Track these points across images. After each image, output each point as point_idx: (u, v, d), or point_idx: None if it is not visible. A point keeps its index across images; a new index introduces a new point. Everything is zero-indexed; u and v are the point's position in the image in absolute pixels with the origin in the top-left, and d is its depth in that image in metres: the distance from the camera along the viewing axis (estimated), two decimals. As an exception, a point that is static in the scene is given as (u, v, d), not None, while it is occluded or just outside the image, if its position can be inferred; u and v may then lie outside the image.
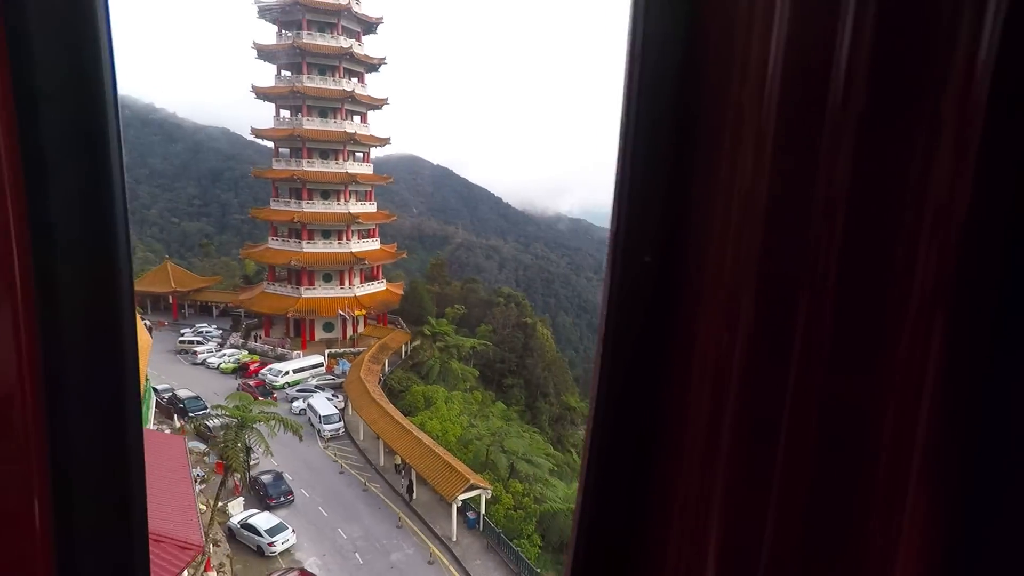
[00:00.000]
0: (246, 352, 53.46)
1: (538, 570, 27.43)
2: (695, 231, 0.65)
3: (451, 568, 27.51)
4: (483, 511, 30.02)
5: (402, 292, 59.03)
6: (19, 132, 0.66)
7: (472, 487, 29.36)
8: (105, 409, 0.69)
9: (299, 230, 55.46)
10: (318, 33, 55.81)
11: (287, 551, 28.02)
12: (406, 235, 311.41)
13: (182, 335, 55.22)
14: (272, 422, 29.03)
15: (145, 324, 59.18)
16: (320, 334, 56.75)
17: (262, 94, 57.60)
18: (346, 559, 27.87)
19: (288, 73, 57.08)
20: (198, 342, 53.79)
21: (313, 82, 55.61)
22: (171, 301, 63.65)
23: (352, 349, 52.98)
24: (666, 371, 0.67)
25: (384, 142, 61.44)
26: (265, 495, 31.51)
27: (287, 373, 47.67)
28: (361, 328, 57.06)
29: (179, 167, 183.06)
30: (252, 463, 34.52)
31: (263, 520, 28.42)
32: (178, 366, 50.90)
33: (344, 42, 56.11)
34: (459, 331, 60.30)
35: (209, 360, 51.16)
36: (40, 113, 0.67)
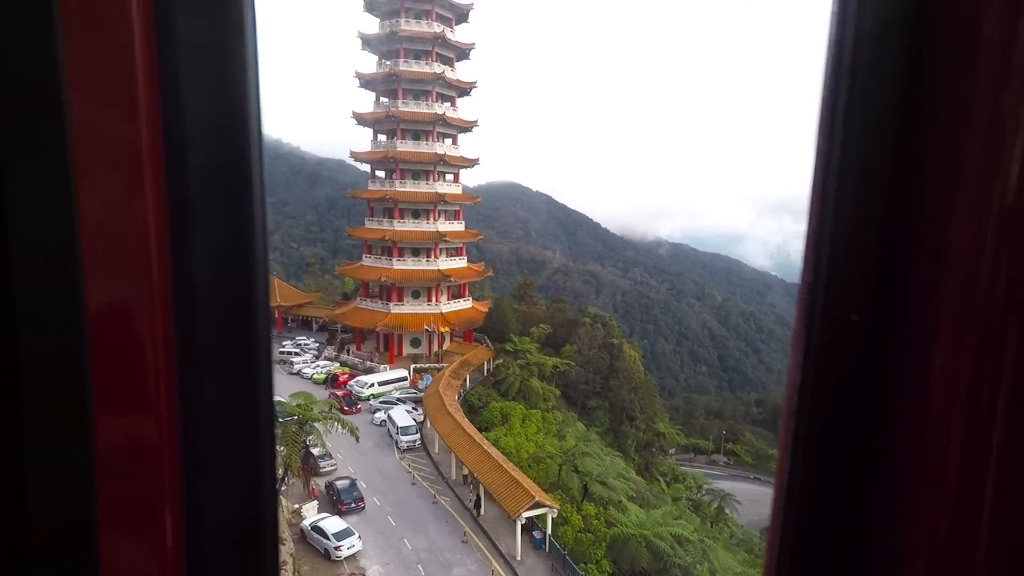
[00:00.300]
0: (338, 364, 55.74)
1: (603, 598, 25.76)
2: (920, 283, 0.51)
3: (513, 587, 26.47)
4: (549, 531, 28.79)
5: (487, 310, 59.17)
6: (167, 176, 0.66)
7: (537, 504, 28.25)
8: (244, 468, 0.70)
9: (390, 248, 57.48)
10: (413, 60, 58.46)
11: (352, 557, 28.24)
12: (504, 259, 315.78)
13: (283, 346, 58.52)
14: (331, 422, 29.54)
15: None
16: (408, 349, 58.10)
17: (361, 119, 60.79)
18: (408, 570, 27.63)
19: (385, 99, 60.07)
20: (296, 353, 56.77)
21: (407, 106, 58.06)
22: (275, 315, 67.90)
23: (436, 364, 53.63)
24: (878, 459, 0.54)
25: (472, 163, 62.70)
26: (338, 500, 32.13)
27: (372, 385, 48.95)
28: (446, 344, 57.70)
29: (300, 196, 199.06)
30: (329, 468, 35.61)
31: (332, 524, 28.87)
32: (276, 375, 53.75)
33: (437, 68, 58.32)
34: (543, 351, 59.51)
35: (304, 370, 53.76)
36: (189, 159, 0.67)
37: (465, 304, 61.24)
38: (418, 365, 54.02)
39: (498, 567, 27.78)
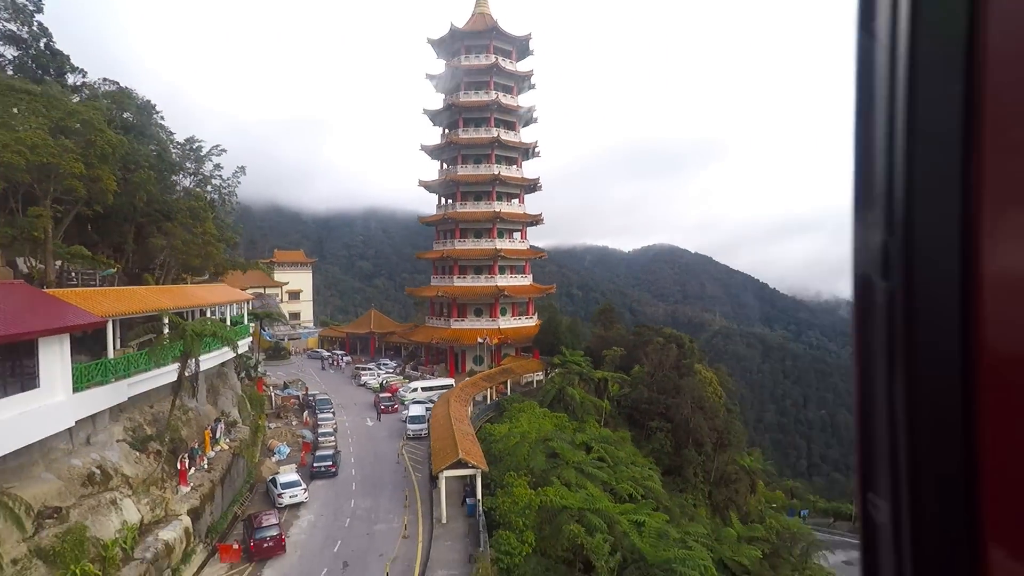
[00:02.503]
0: (401, 377, 58.38)
1: (507, 564, 23.44)
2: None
3: (420, 544, 25.29)
4: (480, 498, 27.18)
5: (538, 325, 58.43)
6: None
7: (461, 464, 27.05)
8: None
9: (451, 267, 60.03)
10: (472, 129, 61.11)
11: (294, 506, 29.23)
12: (659, 322, 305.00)
13: (357, 367, 63.22)
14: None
15: (344, 360, 69.34)
16: (469, 365, 59.13)
17: (426, 186, 64.21)
18: (336, 520, 27.84)
19: (447, 166, 63.43)
20: (366, 370, 60.72)
21: (466, 170, 60.77)
22: (370, 341, 73.46)
23: (490, 377, 53.84)
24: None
25: (534, 219, 62.55)
26: (310, 465, 33.65)
27: (416, 390, 50.62)
28: (505, 361, 57.73)
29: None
30: (328, 444, 37.42)
31: (284, 478, 30.39)
32: (346, 386, 58.20)
33: (493, 133, 59.95)
34: (617, 372, 56.91)
35: (369, 382, 57.33)
36: None
37: (528, 322, 61.05)
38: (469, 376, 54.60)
39: (420, 527, 26.82)
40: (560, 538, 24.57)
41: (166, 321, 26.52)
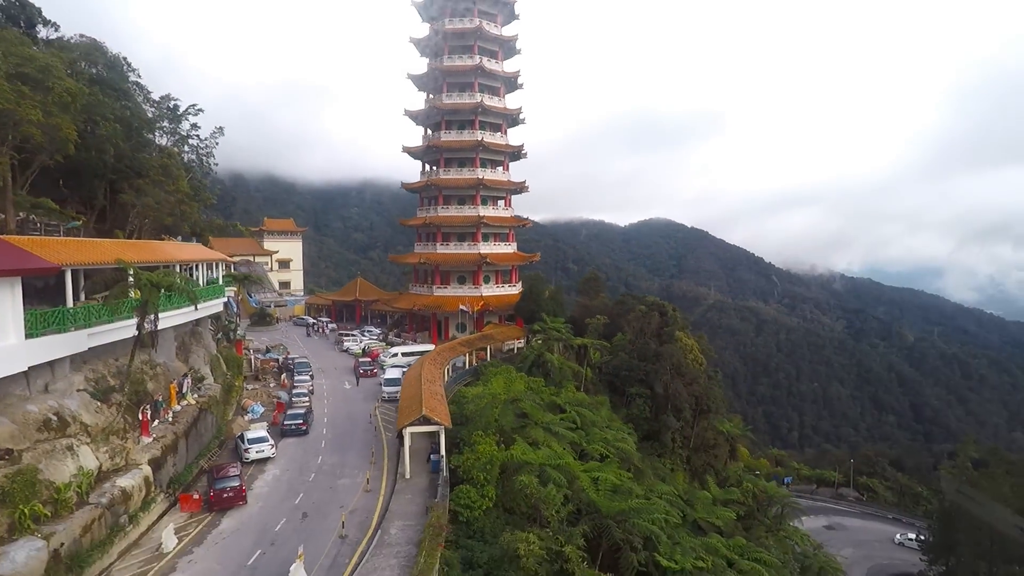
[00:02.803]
0: (382, 343, 58.50)
1: (466, 518, 23.74)
2: None
3: (381, 497, 25.56)
4: (443, 454, 27.38)
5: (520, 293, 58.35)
6: None
7: (426, 421, 27.20)
8: None
9: (435, 235, 59.73)
10: (456, 94, 59.81)
11: (261, 461, 29.50)
12: (655, 296, 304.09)
13: (341, 333, 63.31)
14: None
15: (329, 327, 69.42)
16: (453, 332, 59.24)
17: (410, 152, 63.32)
18: (300, 475, 28.11)
19: (430, 132, 62.40)
20: (349, 336, 60.77)
21: (449, 136, 59.86)
22: (356, 309, 73.46)
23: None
24: None
25: (519, 186, 61.93)
26: (281, 424, 33.88)
27: (396, 355, 50.74)
28: (488, 328, 57.80)
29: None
30: (303, 404, 37.65)
31: (252, 434, 30.61)
32: (329, 352, 58.32)
33: (477, 98, 58.62)
34: (601, 340, 57.14)
35: (351, 348, 57.43)
36: None
37: (511, 290, 60.98)
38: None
39: (383, 482, 27.12)
40: (515, 490, 24.80)
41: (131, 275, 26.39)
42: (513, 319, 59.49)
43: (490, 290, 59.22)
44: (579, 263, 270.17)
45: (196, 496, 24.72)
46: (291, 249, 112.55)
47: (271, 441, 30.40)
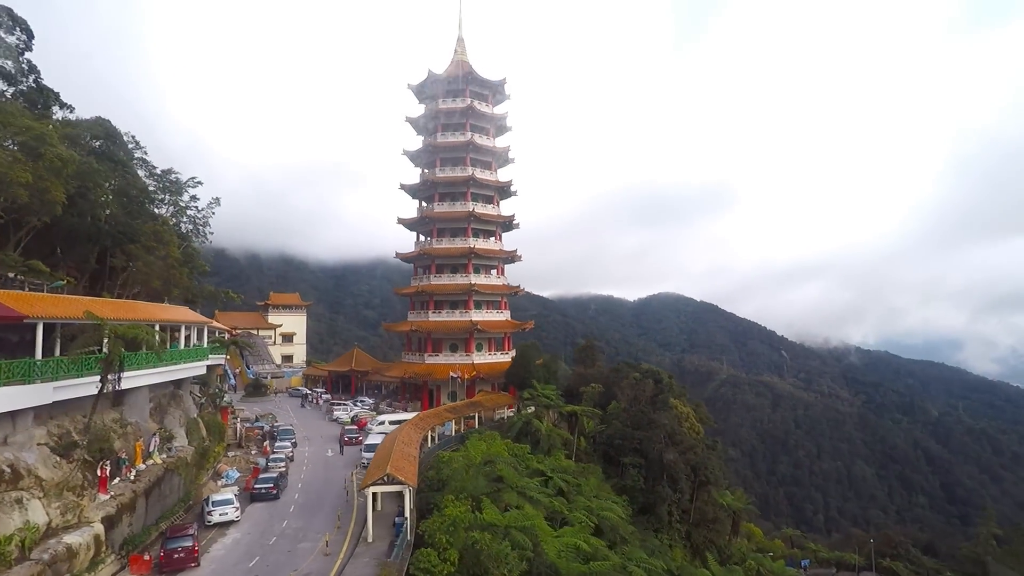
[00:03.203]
0: (373, 412, 57.93)
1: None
2: None
3: (339, 560, 24.59)
4: (407, 516, 26.52)
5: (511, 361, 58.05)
6: None
7: (392, 480, 26.57)
8: None
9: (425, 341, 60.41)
10: (449, 168, 62.78)
11: (224, 524, 28.74)
12: (666, 371, 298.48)
13: (332, 403, 63.16)
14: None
15: (324, 398, 69.26)
16: (444, 400, 58.60)
17: (405, 224, 65.43)
18: (261, 538, 27.28)
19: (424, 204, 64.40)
20: (340, 406, 60.45)
21: (442, 207, 61.93)
22: (351, 379, 73.29)
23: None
24: None
25: (510, 255, 63.19)
26: (252, 488, 33.25)
27: (383, 423, 50.09)
28: (478, 396, 57.20)
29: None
30: (280, 468, 37.10)
31: (219, 496, 30.03)
32: (319, 421, 57.90)
33: (468, 172, 61.50)
34: (596, 409, 56.44)
35: (340, 417, 56.96)
36: None
37: (504, 357, 60.75)
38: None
39: (330, 541, 26.22)
40: (468, 547, 23.76)
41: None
42: (506, 388, 58.86)
43: (482, 358, 59.06)
44: (588, 338, 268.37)
45: (147, 558, 23.98)
46: (295, 323, 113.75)
47: (236, 504, 29.71)
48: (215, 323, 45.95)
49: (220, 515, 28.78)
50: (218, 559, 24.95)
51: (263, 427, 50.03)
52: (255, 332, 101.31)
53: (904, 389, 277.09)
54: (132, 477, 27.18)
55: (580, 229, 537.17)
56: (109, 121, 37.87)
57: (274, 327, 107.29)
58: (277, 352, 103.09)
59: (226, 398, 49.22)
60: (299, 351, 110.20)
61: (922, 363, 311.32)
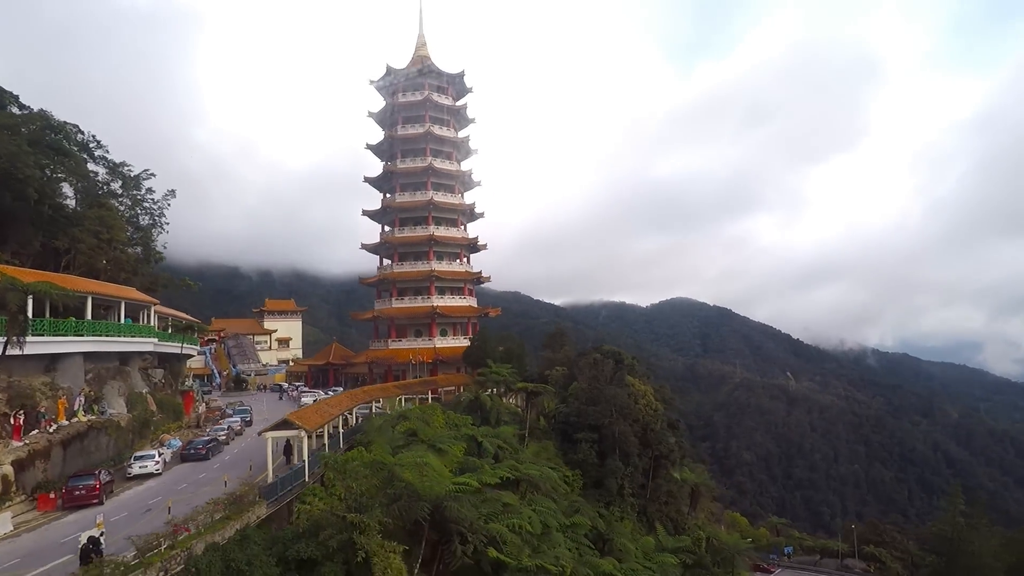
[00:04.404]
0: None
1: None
2: None
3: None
4: (299, 456, 27.94)
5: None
6: None
7: (287, 425, 28.00)
8: None
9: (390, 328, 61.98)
10: (410, 159, 64.80)
11: (145, 476, 30.49)
12: (679, 376, 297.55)
13: (302, 390, 64.97)
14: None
15: (301, 391, 71.13)
16: (408, 386, 59.98)
17: (369, 215, 67.54)
18: (174, 485, 28.95)
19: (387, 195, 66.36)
20: (309, 393, 62.05)
21: (403, 198, 63.56)
22: (329, 372, 75.10)
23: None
24: None
25: (472, 242, 64.72)
26: (182, 450, 35.04)
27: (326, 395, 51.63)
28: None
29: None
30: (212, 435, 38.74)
31: (140, 452, 31.90)
32: (288, 407, 59.44)
33: (427, 162, 63.68)
34: (560, 391, 57.58)
35: (307, 402, 58.38)
36: None
37: (466, 342, 62.05)
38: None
39: (227, 480, 27.57)
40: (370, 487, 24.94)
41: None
42: (469, 370, 60.10)
43: (444, 342, 60.42)
44: (598, 344, 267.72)
45: (52, 496, 25.64)
46: (290, 328, 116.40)
47: (157, 460, 31.40)
48: (170, 310, 47.98)
49: (140, 468, 30.48)
50: (124, 499, 26.58)
51: (222, 408, 51.86)
52: (251, 336, 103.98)
53: (923, 391, 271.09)
54: (52, 430, 28.99)
55: (593, 236, 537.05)
56: (51, 114, 40.38)
57: (270, 332, 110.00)
58: (274, 356, 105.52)
59: (188, 383, 51.18)
60: (296, 355, 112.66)
61: (942, 365, 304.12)
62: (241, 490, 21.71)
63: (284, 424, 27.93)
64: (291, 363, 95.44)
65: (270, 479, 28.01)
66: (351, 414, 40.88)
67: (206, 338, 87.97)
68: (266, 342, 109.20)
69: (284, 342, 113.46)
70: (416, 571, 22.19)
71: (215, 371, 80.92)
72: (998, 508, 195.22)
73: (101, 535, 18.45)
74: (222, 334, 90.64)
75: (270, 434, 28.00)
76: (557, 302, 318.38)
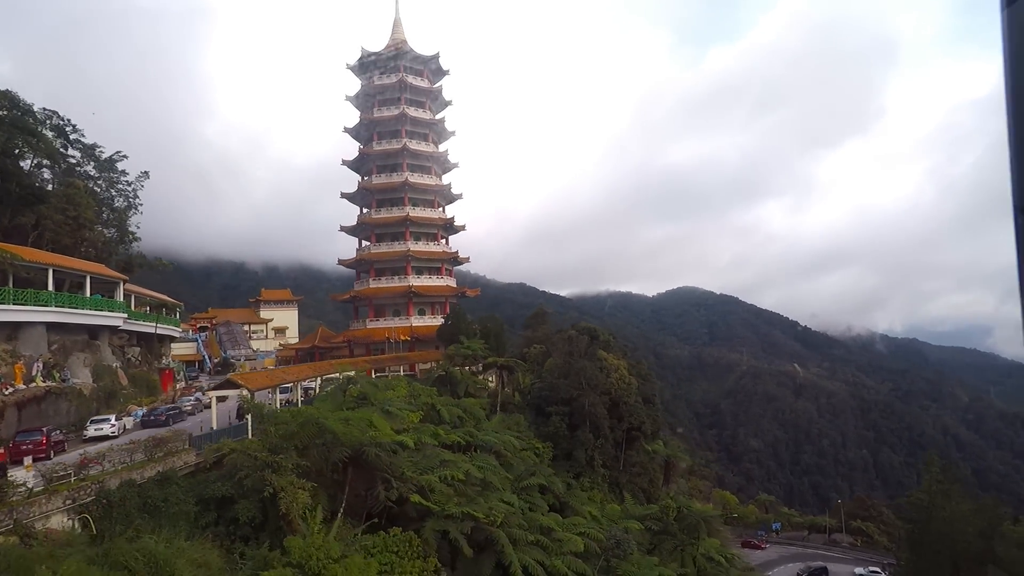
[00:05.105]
0: (319, 377, 60.50)
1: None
2: None
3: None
4: (242, 413, 28.80)
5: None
6: None
7: (231, 384, 28.87)
8: None
9: (368, 269, 62.80)
10: (386, 141, 65.21)
11: (99, 438, 31.44)
12: (685, 365, 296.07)
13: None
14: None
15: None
16: (387, 363, 60.86)
17: (348, 197, 68.47)
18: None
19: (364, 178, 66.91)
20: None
21: (380, 179, 64.27)
22: (315, 354, 76.27)
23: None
24: None
25: (448, 221, 65.27)
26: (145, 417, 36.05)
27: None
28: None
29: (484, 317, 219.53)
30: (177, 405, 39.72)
31: (97, 416, 32.96)
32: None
33: (402, 143, 63.98)
34: (537, 368, 58.21)
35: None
36: None
37: (442, 320, 62.80)
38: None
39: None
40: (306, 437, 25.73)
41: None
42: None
43: (421, 321, 61.17)
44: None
45: (1, 451, 26.66)
46: (287, 318, 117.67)
47: (113, 423, 32.34)
48: (144, 289, 48.96)
49: (95, 430, 31.44)
50: (72, 456, 27.47)
51: (202, 388, 52.94)
52: (247, 325, 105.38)
53: (933, 375, 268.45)
54: (7, 392, 30.09)
55: (601, 226, 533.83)
56: (15, 94, 41.39)
57: (266, 321, 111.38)
58: (270, 344, 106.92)
59: (167, 362, 52.33)
60: (289, 342, 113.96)
61: (952, 349, 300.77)
62: (166, 435, 22.53)
63: (228, 384, 28.76)
64: (279, 347, 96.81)
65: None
66: (315, 385, 41.73)
67: (198, 325, 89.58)
68: (262, 331, 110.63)
69: (281, 331, 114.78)
70: (340, 513, 22.91)
71: (207, 357, 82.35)
72: (1009, 490, 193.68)
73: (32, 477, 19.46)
74: (214, 322, 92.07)
75: (213, 393, 28.88)
76: (563, 293, 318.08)
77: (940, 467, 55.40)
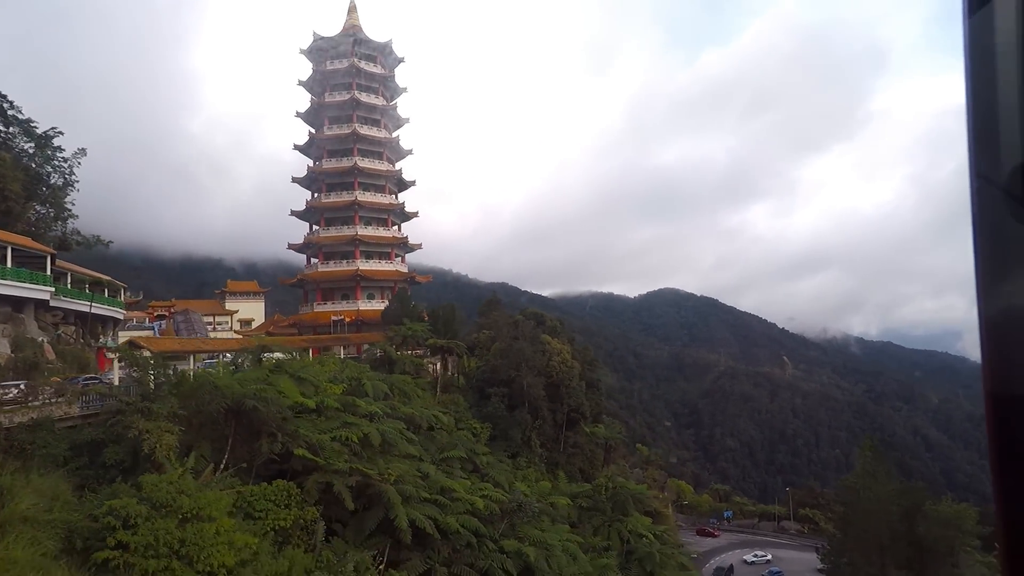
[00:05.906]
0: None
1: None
2: None
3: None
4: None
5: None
6: None
7: (134, 346, 29.04)
8: None
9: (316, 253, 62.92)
10: (336, 126, 65.31)
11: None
12: (664, 365, 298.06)
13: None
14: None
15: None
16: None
17: (298, 182, 68.47)
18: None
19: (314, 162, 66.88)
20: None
21: (330, 163, 64.47)
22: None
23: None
24: None
25: (398, 207, 65.53)
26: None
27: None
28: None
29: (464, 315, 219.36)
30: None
31: (7, 381, 32.70)
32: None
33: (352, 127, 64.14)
34: (485, 353, 58.63)
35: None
36: None
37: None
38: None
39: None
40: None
41: None
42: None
43: (368, 305, 61.39)
44: (586, 334, 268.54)
45: None
46: (253, 309, 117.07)
47: (23, 388, 32.33)
48: (77, 266, 48.80)
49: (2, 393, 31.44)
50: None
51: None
52: (211, 316, 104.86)
53: (905, 378, 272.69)
54: (-92, 353, 30.06)
55: (586, 226, 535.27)
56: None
57: (231, 313, 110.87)
58: (233, 335, 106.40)
59: (102, 340, 52.13)
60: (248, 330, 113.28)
61: (924, 353, 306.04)
62: (39, 383, 22.71)
63: (131, 345, 28.91)
64: (235, 334, 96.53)
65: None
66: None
67: (155, 314, 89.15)
68: (227, 322, 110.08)
69: (247, 323, 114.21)
70: (223, 463, 23.19)
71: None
72: (975, 491, 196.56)
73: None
74: (172, 310, 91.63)
75: (114, 355, 29.00)
76: (546, 293, 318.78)
77: (871, 450, 56.56)
